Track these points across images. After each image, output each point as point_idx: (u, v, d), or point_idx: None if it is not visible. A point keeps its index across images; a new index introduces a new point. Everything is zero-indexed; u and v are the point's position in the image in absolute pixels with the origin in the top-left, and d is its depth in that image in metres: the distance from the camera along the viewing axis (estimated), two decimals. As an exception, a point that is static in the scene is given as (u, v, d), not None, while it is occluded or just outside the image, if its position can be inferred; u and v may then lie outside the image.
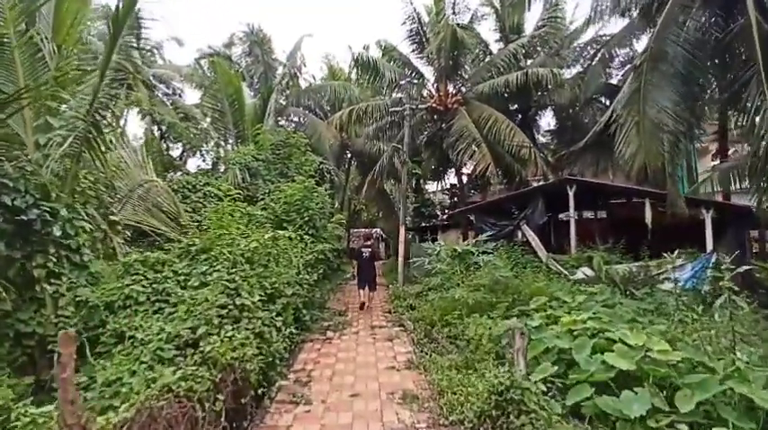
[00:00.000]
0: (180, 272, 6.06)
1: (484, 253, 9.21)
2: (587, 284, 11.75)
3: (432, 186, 28.24)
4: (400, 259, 15.59)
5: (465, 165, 16.49)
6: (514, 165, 17.46)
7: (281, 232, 7.93)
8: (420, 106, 17.09)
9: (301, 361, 7.42)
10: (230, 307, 5.32)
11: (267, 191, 12.03)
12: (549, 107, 21.88)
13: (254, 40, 21.99)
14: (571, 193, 14.35)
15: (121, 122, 27.55)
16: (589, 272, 12.94)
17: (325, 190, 13.12)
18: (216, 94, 16.74)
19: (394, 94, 18.65)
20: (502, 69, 17.69)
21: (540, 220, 15.09)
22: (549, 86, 16.91)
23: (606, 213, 18.22)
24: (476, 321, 7.99)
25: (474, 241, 15.38)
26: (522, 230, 15.30)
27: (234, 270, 6.01)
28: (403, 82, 17.51)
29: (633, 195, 14.49)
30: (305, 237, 10.59)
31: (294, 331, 6.83)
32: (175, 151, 28.29)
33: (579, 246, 14.16)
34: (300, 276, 9.04)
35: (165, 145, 28.24)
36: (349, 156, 29.57)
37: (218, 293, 5.45)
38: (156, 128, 28.30)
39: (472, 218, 17.53)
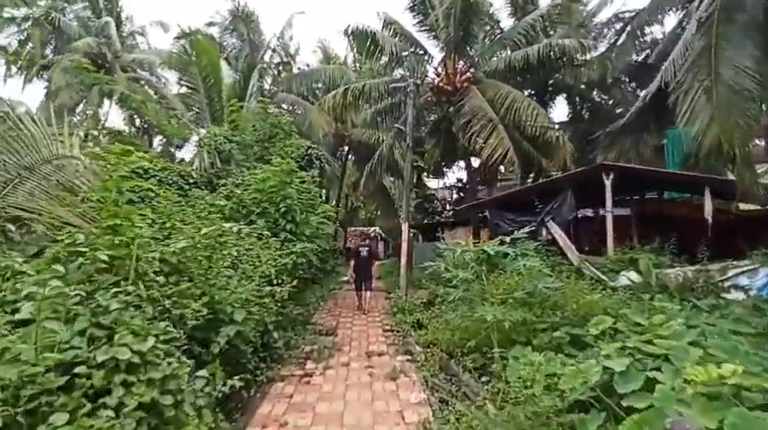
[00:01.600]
0: (31, 293, 3.39)
1: (523, 255, 6.58)
2: (634, 292, 9.21)
3: (435, 182, 25.55)
4: (403, 261, 12.92)
5: (479, 152, 13.75)
6: (533, 154, 14.82)
7: (228, 225, 5.21)
8: (426, 81, 14.45)
9: (259, 421, 4.75)
10: (85, 365, 2.66)
11: (241, 178, 9.38)
12: (562, 94, 19.25)
13: (238, 15, 19.33)
14: (608, 183, 11.69)
15: (102, 113, 25.03)
16: (635, 277, 10.31)
17: (313, 178, 10.48)
18: (188, 68, 14.04)
19: (395, 73, 15.99)
20: (519, 44, 15.06)
21: (568, 215, 12.43)
22: (576, 60, 14.25)
23: (634, 209, 15.59)
24: (520, 355, 5.36)
25: (496, 241, 13.00)
26: (547, 227, 12.69)
27: (117, 290, 3.34)
28: (405, 53, 14.84)
29: (688, 183, 11.79)
30: (281, 234, 7.95)
31: (238, 383, 4.16)
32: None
33: (617, 247, 11.55)
34: (269, 289, 6.40)
35: (145, 138, 25.67)
36: (346, 149, 27.03)
37: (70, 338, 2.79)
38: (138, 120, 25.70)
39: (485, 213, 14.92)
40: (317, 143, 16.61)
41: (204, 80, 13.74)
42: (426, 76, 16.20)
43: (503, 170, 22.67)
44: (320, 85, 21.11)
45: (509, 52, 15.44)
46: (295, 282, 6.79)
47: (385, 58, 15.10)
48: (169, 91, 25.69)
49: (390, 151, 18.26)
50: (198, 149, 10.99)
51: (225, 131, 11.70)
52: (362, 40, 15.45)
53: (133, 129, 25.07)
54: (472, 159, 17.57)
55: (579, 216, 14.23)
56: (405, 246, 12.87)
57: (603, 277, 10.61)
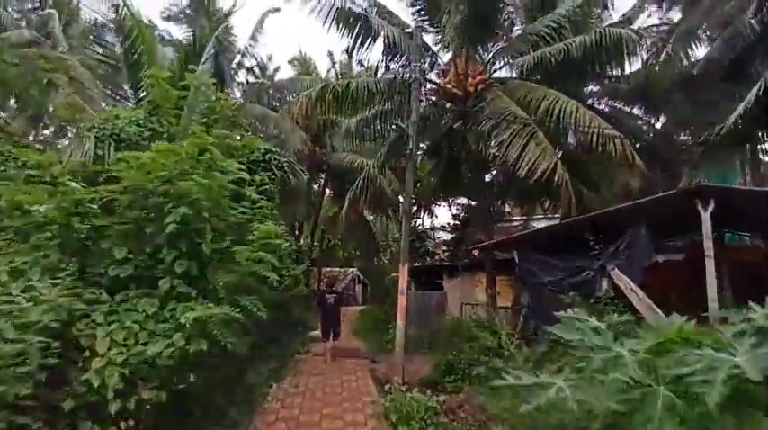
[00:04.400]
0: None
1: None
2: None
3: (429, 218, 21.18)
4: (399, 322, 8.40)
5: (512, 167, 9.42)
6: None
7: None
8: (430, 77, 10.51)
9: None
10: None
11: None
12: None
13: (199, 5, 15.25)
14: (706, 215, 7.61)
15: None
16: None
17: (263, 183, 6.06)
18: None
19: (391, 69, 11.99)
20: (549, 40, 11.33)
21: (645, 261, 8.19)
22: (631, 57, 10.63)
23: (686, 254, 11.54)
24: None
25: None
26: (610, 277, 8.46)
27: None
28: (409, 30, 10.91)
29: None
30: (164, 281, 3.45)
31: None
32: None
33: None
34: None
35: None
36: (323, 180, 22.88)
37: None
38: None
39: (511, 256, 10.63)
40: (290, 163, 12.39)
41: (127, 52, 9.37)
42: (428, 78, 12.25)
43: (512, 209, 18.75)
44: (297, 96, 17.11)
45: (531, 53, 11.69)
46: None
47: (382, 37, 11.01)
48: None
49: (376, 178, 14.13)
50: (78, 135, 6.51)
51: (133, 112, 7.29)
52: (352, 24, 11.47)
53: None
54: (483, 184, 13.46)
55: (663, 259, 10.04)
56: (402, 300, 8.34)
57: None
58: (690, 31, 13.45)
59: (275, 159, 8.44)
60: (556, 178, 8.54)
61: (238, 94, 19.31)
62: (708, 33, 14.01)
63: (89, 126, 6.64)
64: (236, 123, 8.23)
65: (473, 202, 15.92)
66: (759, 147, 12.52)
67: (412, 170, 8.69)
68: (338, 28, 11.81)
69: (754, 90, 8.05)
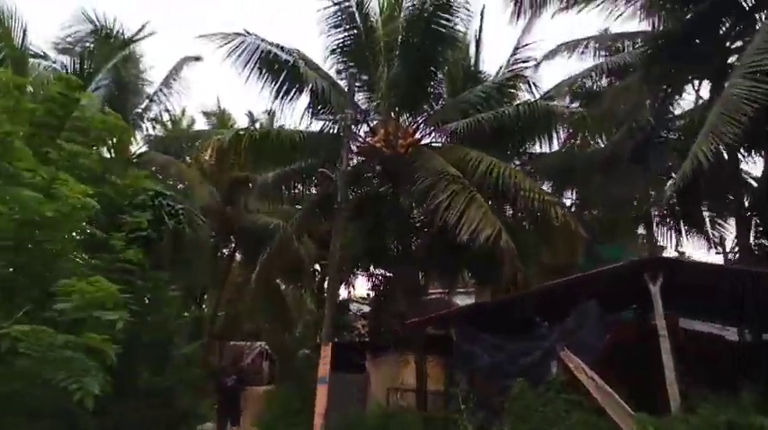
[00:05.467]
0: None
1: None
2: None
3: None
4: (317, 421, 6.37)
5: (453, 231, 8.15)
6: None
7: None
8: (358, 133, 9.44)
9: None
10: None
11: None
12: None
13: (102, 38, 13.13)
14: (655, 289, 6.89)
15: None
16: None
17: (148, 228, 4.14)
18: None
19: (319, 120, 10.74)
20: (480, 109, 10.97)
21: (598, 341, 7.21)
22: (555, 130, 10.53)
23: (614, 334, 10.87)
24: None
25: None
26: (561, 360, 7.27)
27: None
28: (340, 76, 9.85)
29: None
30: None
31: None
32: None
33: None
34: None
35: None
36: (233, 245, 20.35)
37: None
38: None
39: (442, 333, 9.16)
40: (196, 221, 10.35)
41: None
42: (357, 133, 11.16)
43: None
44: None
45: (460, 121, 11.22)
46: None
47: (310, 85, 9.83)
48: None
49: (292, 241, 12.40)
50: None
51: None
52: (277, 71, 10.22)
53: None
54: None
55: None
56: (322, 391, 6.38)
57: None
58: (594, 120, 14.15)
59: (168, 205, 6.46)
60: (502, 244, 7.47)
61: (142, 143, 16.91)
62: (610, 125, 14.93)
63: None
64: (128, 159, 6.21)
65: (395, 274, 14.52)
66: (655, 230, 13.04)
67: (340, 227, 7.14)
68: (261, 75, 10.53)
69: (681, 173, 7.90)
